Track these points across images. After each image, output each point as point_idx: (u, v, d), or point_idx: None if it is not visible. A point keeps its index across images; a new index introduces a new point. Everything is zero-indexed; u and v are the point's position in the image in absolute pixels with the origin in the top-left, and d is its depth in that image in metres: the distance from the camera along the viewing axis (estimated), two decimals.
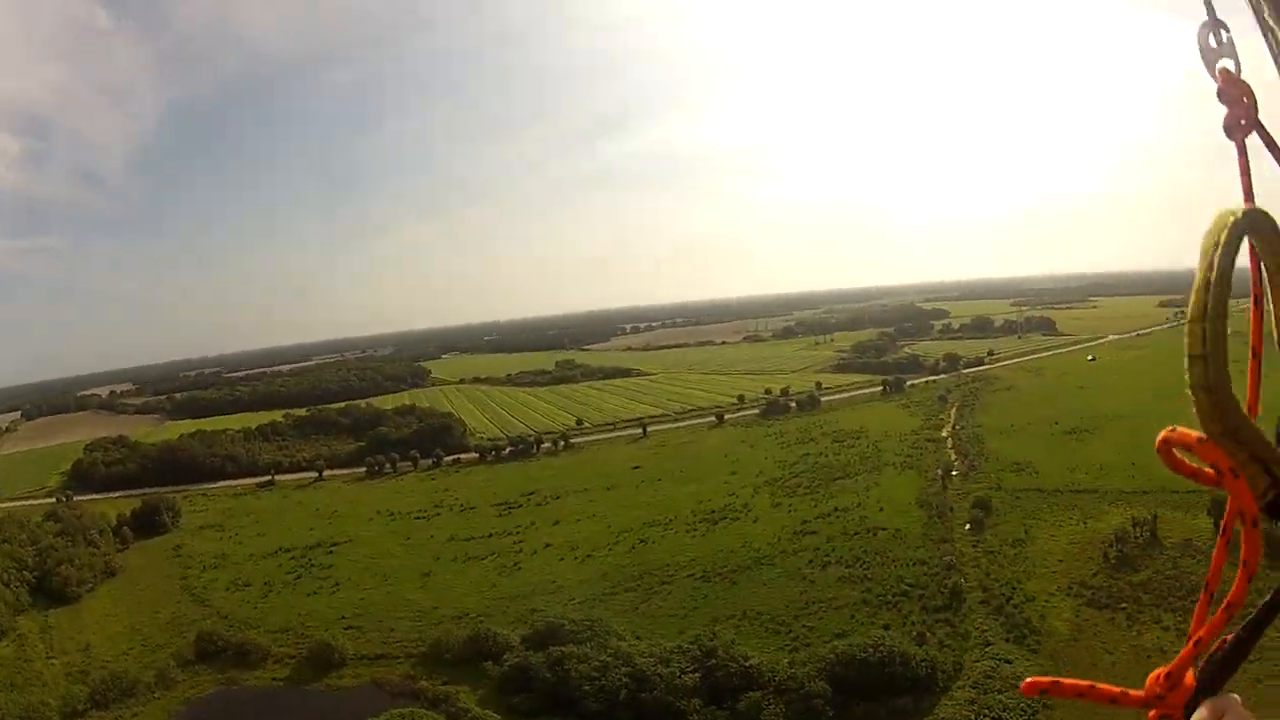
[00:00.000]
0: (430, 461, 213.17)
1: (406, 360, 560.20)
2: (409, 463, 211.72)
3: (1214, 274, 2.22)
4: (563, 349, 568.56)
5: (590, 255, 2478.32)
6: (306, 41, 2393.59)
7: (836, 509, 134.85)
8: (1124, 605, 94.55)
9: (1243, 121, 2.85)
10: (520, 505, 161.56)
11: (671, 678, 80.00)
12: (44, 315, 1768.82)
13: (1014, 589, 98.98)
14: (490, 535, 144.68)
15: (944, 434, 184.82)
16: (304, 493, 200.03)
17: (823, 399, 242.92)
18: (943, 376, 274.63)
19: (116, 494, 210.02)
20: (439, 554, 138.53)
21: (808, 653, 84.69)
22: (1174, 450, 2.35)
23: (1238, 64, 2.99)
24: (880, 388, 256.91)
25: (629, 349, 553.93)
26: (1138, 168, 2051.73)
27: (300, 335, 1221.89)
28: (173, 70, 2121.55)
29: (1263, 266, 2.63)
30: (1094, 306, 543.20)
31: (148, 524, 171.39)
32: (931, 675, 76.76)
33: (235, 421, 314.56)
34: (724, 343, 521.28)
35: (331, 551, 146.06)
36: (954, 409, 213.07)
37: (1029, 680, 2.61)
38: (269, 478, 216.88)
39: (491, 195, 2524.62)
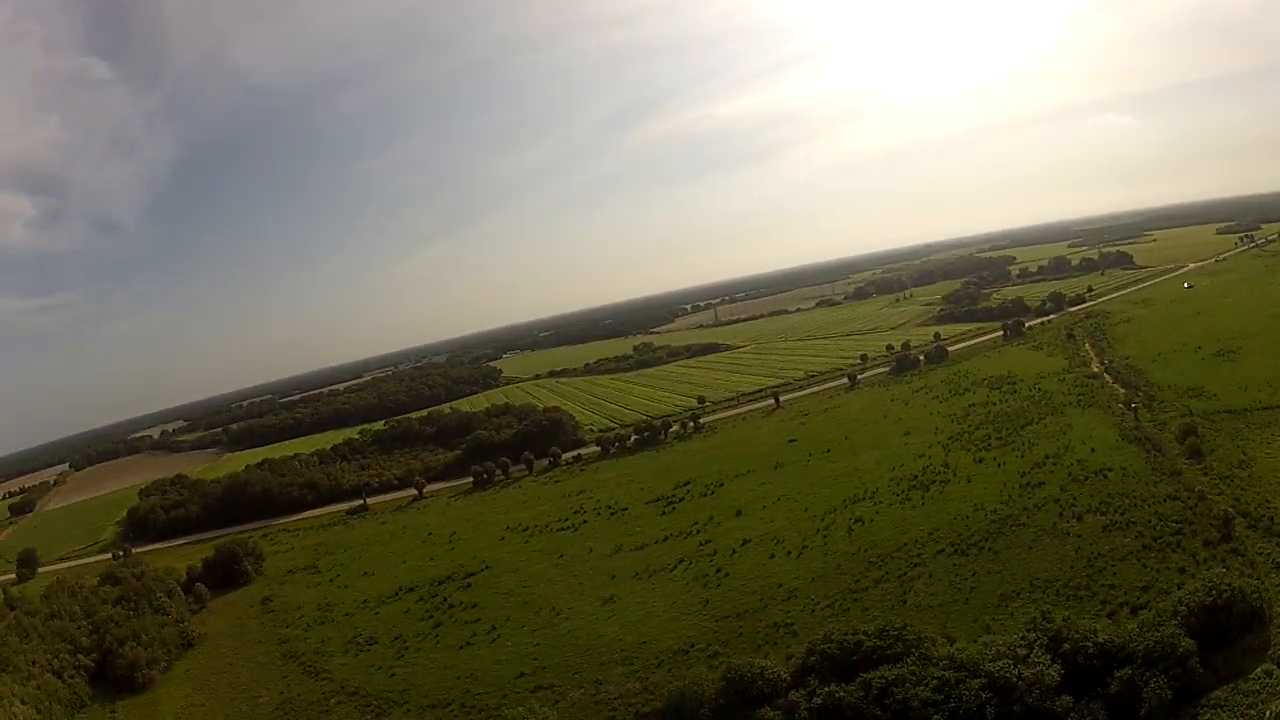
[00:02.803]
0: (546, 462, 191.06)
1: (469, 363, 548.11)
2: (522, 466, 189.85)
3: None
4: (627, 335, 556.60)
5: (623, 243, 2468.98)
6: (304, 72, 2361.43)
7: (1048, 456, 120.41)
8: None
9: None
10: (681, 499, 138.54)
11: (1034, 678, 60.91)
12: (76, 365, 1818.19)
13: (1270, 508, 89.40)
14: (665, 539, 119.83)
15: (1096, 370, 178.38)
16: (406, 515, 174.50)
17: (949, 350, 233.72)
18: (1053, 316, 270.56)
19: (181, 540, 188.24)
20: (611, 571, 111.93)
21: (1145, 614, 69.76)
22: None
23: None
24: (1000, 333, 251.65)
25: (700, 326, 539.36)
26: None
27: (341, 357, 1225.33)
28: (176, 113, 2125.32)
29: None
30: (1154, 240, 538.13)
31: (225, 575, 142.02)
32: (1260, 607, 67.12)
33: (304, 445, 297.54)
34: (798, 310, 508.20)
35: (469, 585, 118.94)
36: (1087, 345, 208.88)
37: None
38: (360, 502, 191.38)
39: (513, 200, 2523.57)
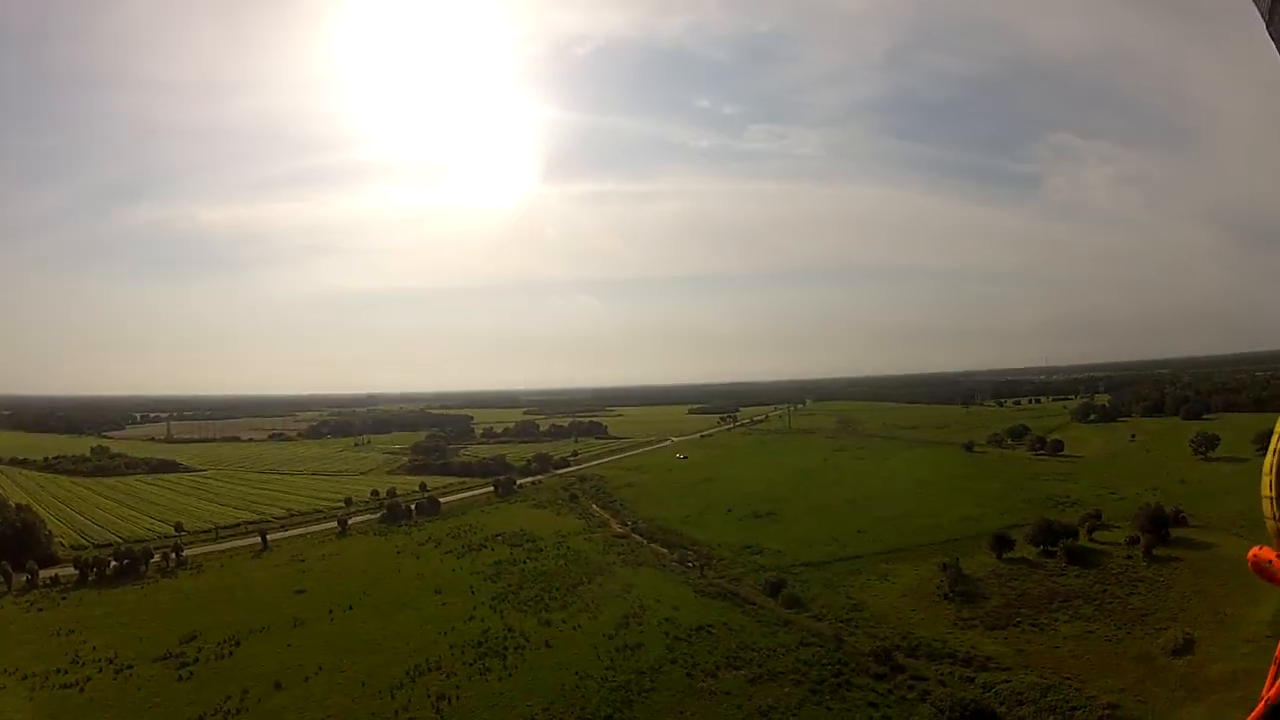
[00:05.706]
0: (25, 580, 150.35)
1: None
2: (0, 579, 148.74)
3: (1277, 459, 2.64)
4: (82, 433, 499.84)
5: (90, 326, 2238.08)
6: None
7: (626, 616, 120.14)
8: (1018, 621, 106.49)
9: None
10: (195, 659, 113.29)
11: None
12: None
13: (915, 638, 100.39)
14: (201, 717, 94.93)
15: (620, 530, 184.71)
16: None
17: (440, 502, 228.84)
18: (542, 477, 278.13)
19: None
20: None
21: None
22: (1259, 562, 2.98)
23: None
24: (490, 489, 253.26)
25: (153, 440, 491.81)
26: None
27: None
28: None
29: None
30: (620, 414, 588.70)
31: None
32: (994, 710, 77.52)
33: None
34: (250, 440, 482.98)
35: None
36: (595, 506, 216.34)
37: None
38: None
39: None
